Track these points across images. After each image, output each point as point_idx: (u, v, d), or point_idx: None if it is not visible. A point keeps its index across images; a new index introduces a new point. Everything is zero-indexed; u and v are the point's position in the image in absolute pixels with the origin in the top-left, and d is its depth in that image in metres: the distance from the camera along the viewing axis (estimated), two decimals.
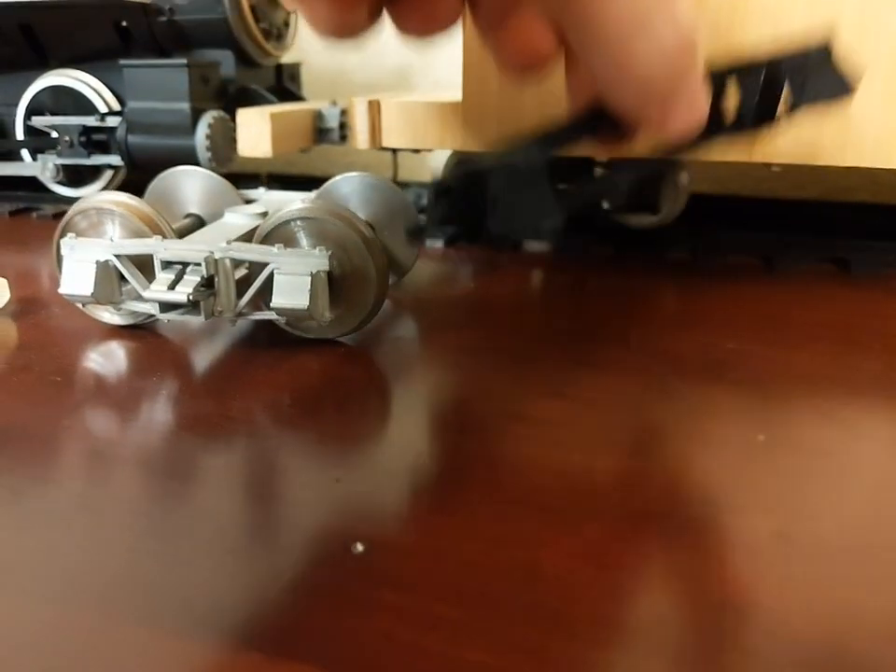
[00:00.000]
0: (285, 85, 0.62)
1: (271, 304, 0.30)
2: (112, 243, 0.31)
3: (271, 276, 0.30)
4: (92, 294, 0.31)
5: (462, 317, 0.38)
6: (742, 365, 0.31)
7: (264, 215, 0.36)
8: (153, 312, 0.32)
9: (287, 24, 0.60)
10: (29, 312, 0.38)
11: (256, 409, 0.27)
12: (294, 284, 0.30)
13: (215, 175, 0.40)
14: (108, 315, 0.35)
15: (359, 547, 0.19)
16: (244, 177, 0.59)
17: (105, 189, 0.59)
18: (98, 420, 0.27)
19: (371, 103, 0.44)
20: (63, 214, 0.61)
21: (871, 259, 0.44)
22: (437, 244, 0.50)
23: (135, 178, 0.58)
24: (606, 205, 0.48)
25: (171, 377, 0.30)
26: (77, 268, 0.32)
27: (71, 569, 0.19)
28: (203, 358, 0.32)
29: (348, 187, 0.40)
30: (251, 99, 0.55)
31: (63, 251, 0.32)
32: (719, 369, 0.30)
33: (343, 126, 0.54)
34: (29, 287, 0.42)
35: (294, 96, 0.62)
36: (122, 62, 0.51)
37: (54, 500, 0.22)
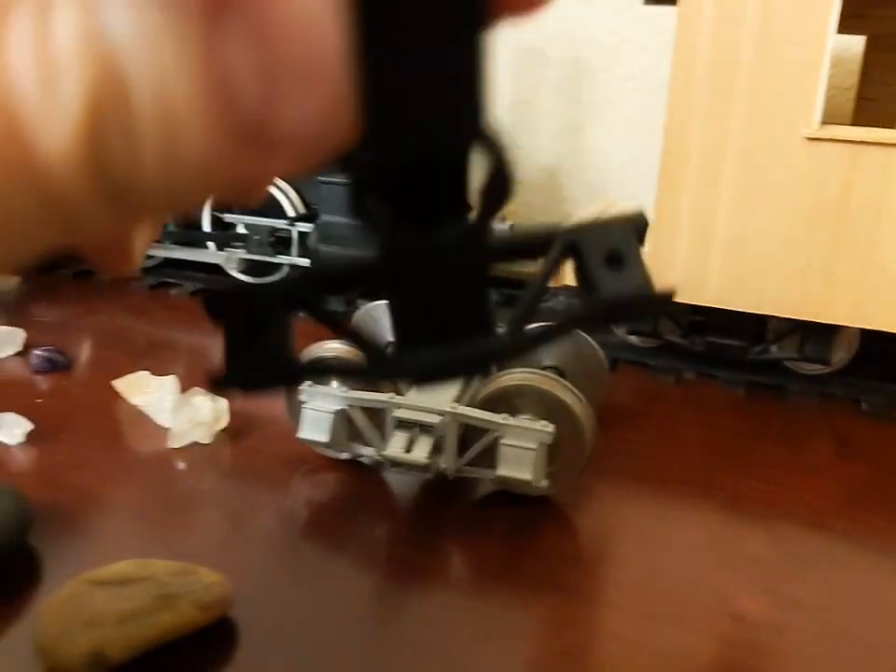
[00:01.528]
0: None
1: (496, 473, 0.33)
2: (349, 394, 0.35)
3: (493, 440, 0.33)
4: (328, 443, 0.35)
5: (646, 469, 0.39)
6: None
7: None
8: (379, 459, 0.35)
9: None
10: (244, 433, 0.41)
11: (457, 563, 0.32)
12: (518, 454, 0.32)
13: None
14: (330, 451, 0.38)
15: None
16: None
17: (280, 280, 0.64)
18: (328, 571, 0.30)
19: None
20: None
21: None
22: None
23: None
24: (775, 350, 0.50)
25: (386, 520, 0.34)
26: (314, 415, 0.35)
27: None
28: (410, 501, 0.35)
29: None
30: None
31: (302, 397, 0.35)
32: None
33: None
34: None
35: None
36: (320, 178, 0.56)
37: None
